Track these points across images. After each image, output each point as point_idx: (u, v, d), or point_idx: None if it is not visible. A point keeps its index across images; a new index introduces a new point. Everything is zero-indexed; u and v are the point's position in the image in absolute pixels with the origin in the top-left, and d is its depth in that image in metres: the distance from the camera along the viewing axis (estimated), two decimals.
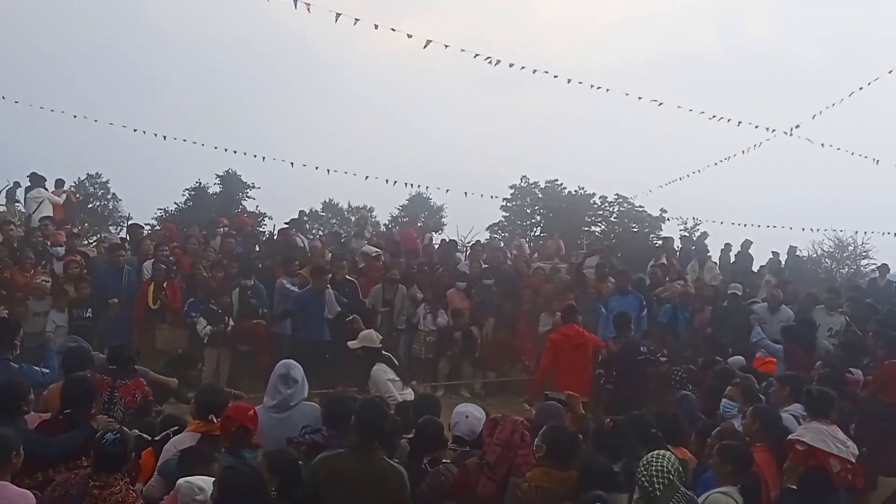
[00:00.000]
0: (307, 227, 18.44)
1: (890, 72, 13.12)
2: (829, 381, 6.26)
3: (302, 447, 4.70)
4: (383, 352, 7.12)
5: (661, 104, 14.22)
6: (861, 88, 13.64)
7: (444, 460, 4.69)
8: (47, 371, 6.35)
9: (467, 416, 4.94)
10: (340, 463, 4.16)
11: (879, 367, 6.98)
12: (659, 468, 3.75)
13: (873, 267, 19.06)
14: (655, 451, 3.95)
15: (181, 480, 3.85)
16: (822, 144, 14.53)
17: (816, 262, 20.94)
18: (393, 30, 12.21)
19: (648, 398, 7.68)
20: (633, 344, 8.32)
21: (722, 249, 16.21)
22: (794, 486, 4.60)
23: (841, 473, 4.83)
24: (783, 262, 15.86)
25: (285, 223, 13.93)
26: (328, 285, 9.61)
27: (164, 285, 9.74)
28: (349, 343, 7.29)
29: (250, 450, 4.55)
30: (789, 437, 4.96)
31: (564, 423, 4.85)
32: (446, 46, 12.65)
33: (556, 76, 13.68)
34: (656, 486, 3.70)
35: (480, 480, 4.37)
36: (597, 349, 8.45)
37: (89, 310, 9.21)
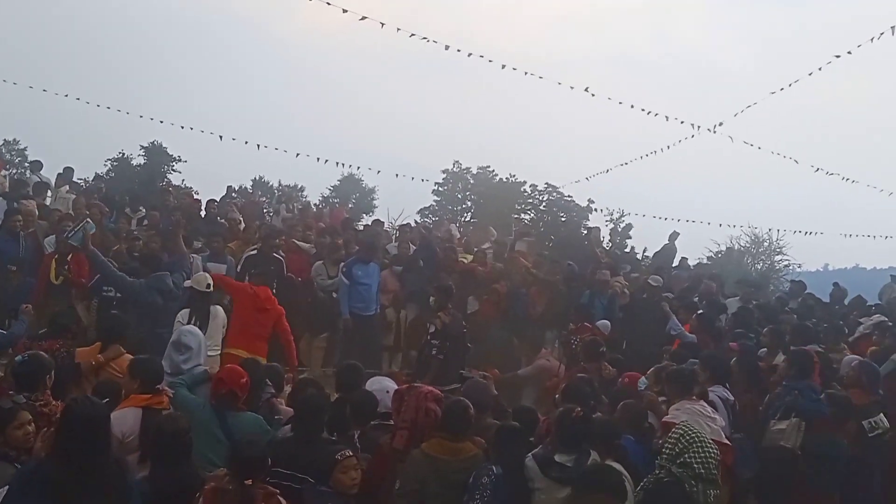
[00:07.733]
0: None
1: (810, 74, 13.53)
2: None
3: None
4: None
5: (593, 95, 14.43)
6: (782, 89, 13.92)
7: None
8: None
9: (388, 392, 4.98)
10: None
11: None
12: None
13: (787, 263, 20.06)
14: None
15: None
16: (744, 142, 14.93)
17: (732, 256, 21.72)
18: (328, 3, 11.96)
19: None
20: (458, 317, 8.38)
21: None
22: None
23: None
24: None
25: (211, 200, 13.46)
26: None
27: (69, 258, 8.83)
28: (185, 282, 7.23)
29: (233, 413, 4.72)
30: (664, 419, 5.19)
31: (489, 399, 4.99)
32: (382, 24, 12.50)
33: (490, 60, 13.73)
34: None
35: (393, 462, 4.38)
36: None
37: None
